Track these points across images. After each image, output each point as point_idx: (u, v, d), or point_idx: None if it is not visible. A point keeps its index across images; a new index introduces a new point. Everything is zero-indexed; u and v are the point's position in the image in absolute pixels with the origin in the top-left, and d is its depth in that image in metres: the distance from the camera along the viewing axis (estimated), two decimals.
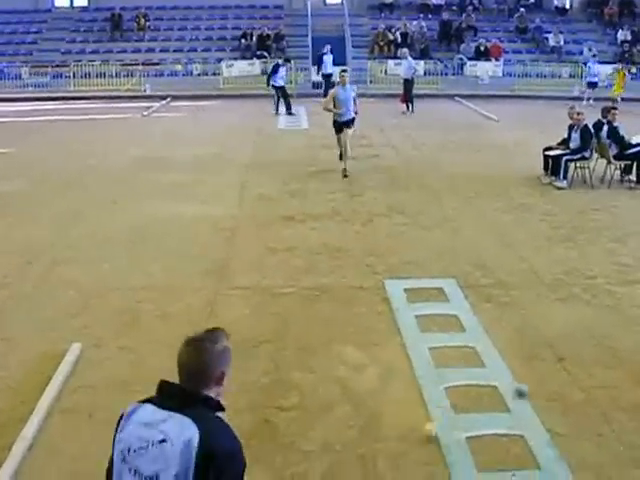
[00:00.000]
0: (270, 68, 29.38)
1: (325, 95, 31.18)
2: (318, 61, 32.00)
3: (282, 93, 28.08)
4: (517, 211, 14.31)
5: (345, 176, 16.72)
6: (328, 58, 31.47)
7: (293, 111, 27.78)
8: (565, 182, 16.21)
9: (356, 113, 17.26)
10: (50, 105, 30.10)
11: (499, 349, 8.41)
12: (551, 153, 16.82)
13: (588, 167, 16.57)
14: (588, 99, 30.03)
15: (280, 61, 28.70)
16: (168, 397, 3.58)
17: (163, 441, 3.39)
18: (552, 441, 6.64)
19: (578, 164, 16.60)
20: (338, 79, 17.76)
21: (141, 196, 15.31)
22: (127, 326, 9.10)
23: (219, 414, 3.56)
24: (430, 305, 9.69)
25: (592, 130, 16.45)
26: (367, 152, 19.98)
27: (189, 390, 3.57)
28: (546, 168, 16.96)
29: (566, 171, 16.26)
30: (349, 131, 17.11)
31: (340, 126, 17.08)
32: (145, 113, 27.91)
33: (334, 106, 17.02)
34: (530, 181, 16.78)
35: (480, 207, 14.58)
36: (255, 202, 14.89)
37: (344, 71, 17.93)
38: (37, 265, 11.17)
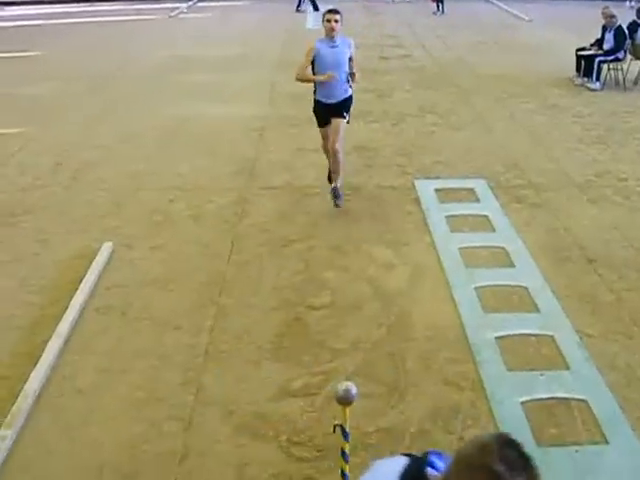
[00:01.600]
0: None
1: None
2: None
3: None
4: (549, 112, 14.13)
5: (336, 204, 9.50)
6: None
7: (320, 8, 27.50)
8: (598, 84, 15.95)
9: (352, 76, 9.32)
10: (75, 7, 29.86)
11: (529, 250, 8.38)
12: (584, 54, 16.52)
13: (621, 69, 16.29)
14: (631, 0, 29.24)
15: None
16: None
17: None
18: (582, 342, 6.64)
19: (611, 65, 16.30)
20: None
21: (170, 96, 15.27)
22: (159, 226, 9.14)
23: None
24: (460, 205, 9.64)
25: (627, 31, 16.12)
26: (397, 52, 19.77)
27: None
28: (579, 69, 16.68)
29: (599, 72, 15.99)
30: (341, 122, 9.51)
31: (325, 113, 9.62)
32: (172, 14, 27.65)
33: (313, 73, 9.35)
34: (562, 82, 16.53)
35: (511, 107, 14.40)
36: (285, 102, 14.77)
37: (333, 12, 9.14)
38: (68, 166, 11.19)
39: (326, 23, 9.14)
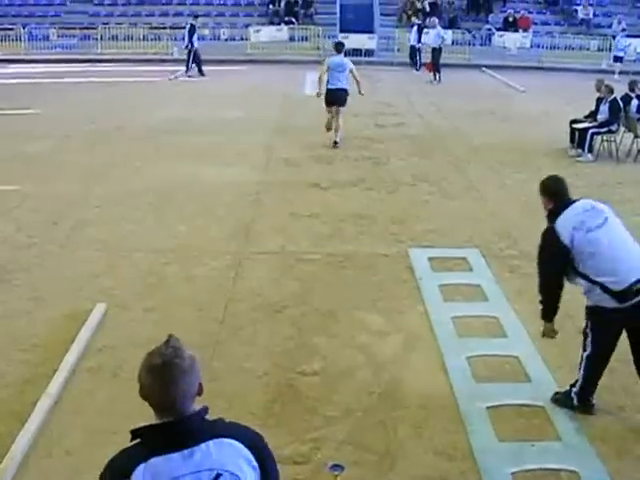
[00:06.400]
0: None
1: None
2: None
3: (195, 56, 28.63)
4: None
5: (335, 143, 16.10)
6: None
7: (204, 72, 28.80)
8: (590, 156, 16.12)
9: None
10: (78, 67, 30.09)
11: (522, 319, 8.41)
12: (578, 126, 16.72)
13: (614, 141, 16.48)
14: (618, 73, 29.59)
15: (193, 22, 29.33)
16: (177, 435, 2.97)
17: (218, 476, 2.92)
18: (573, 413, 6.64)
19: (605, 137, 16.49)
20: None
21: (167, 158, 15.37)
22: (152, 287, 9.16)
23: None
24: (454, 274, 9.69)
25: (621, 103, 16.35)
26: (393, 120, 19.93)
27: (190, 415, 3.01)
28: (572, 140, 16.86)
29: (591, 144, 16.18)
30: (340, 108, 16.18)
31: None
32: (172, 77, 27.89)
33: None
34: (556, 152, 16.68)
35: (505, 177, 14.52)
36: (280, 167, 14.88)
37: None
38: (63, 225, 11.24)
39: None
